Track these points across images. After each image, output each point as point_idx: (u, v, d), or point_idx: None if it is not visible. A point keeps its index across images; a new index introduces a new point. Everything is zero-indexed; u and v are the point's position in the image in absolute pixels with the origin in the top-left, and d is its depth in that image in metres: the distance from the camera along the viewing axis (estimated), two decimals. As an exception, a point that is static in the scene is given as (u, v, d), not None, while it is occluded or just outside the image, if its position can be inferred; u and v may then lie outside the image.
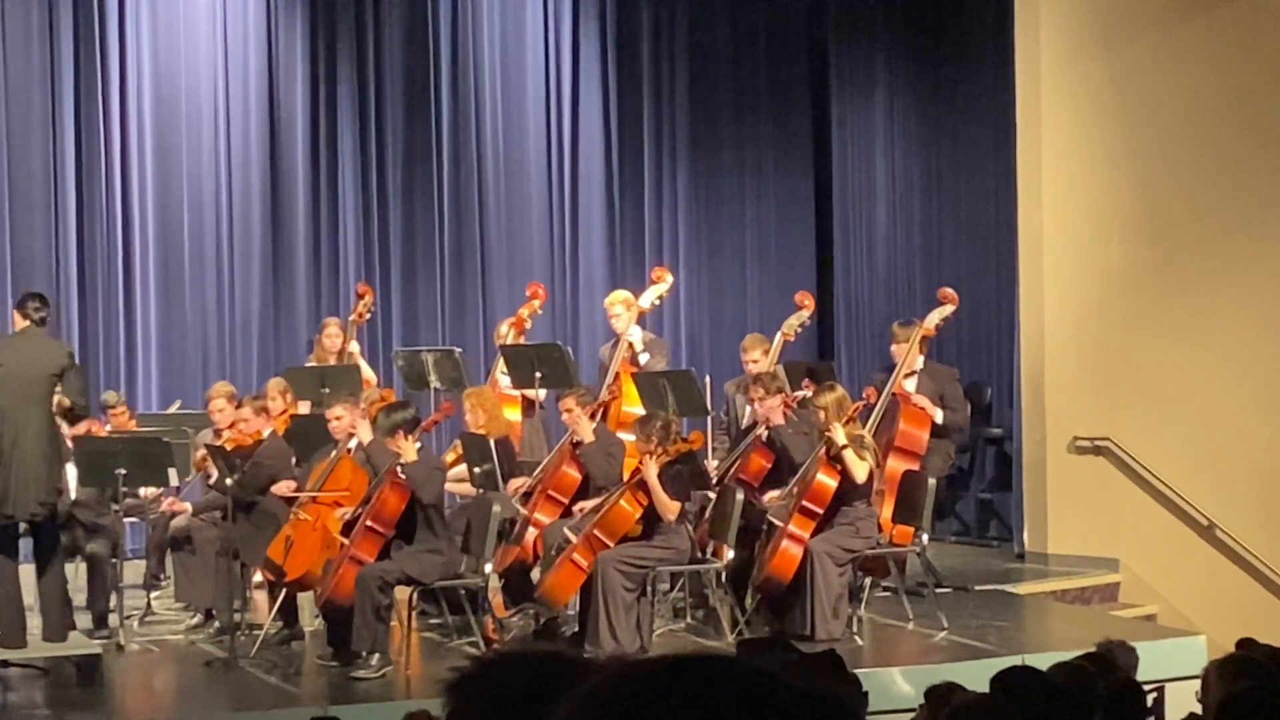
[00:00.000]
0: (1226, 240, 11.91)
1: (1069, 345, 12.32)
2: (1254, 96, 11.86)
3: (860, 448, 9.35)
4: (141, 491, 10.85)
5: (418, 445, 9.04)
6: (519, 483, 10.13)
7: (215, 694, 8.79)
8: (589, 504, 9.63)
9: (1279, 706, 4.46)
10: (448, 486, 9.72)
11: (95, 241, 13.03)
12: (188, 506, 10.40)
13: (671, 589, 10.14)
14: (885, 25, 14.96)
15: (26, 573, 9.19)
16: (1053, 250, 12.33)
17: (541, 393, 11.13)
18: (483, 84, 14.36)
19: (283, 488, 9.62)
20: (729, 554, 9.44)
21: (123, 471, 9.19)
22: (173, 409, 12.18)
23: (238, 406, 10.35)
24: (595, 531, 9.05)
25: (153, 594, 10.58)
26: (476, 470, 9.95)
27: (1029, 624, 10.63)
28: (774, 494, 9.81)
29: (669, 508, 9.05)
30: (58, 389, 8.98)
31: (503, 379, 11.24)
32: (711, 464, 10.46)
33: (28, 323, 9.10)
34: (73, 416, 9.27)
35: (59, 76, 12.89)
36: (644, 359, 11.12)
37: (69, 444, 9.66)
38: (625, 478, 9.47)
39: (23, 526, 9.05)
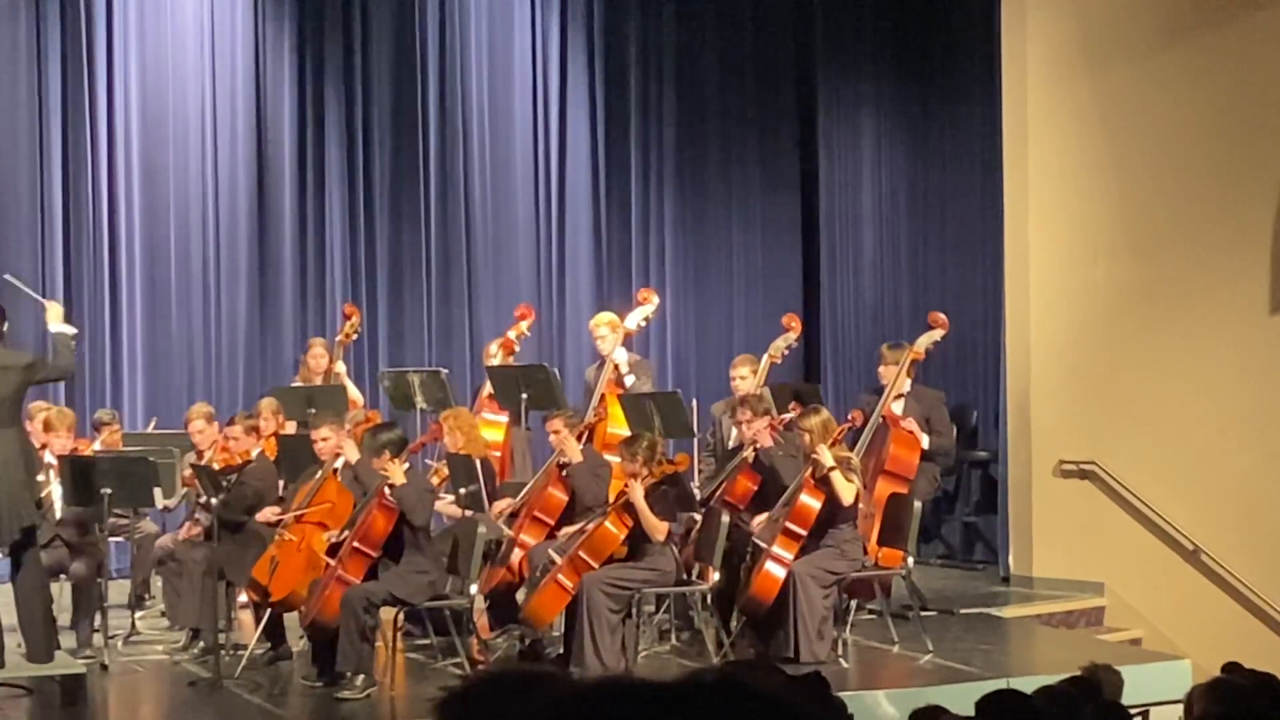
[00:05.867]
0: (1212, 264, 11.94)
1: (1055, 369, 12.34)
2: (1239, 121, 11.90)
3: (847, 469, 9.36)
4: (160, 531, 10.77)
5: (405, 466, 9.03)
6: (504, 504, 10.14)
7: (199, 714, 8.76)
8: (571, 530, 9.65)
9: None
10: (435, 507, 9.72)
11: (81, 261, 13.01)
12: (199, 531, 10.22)
13: (657, 611, 10.13)
14: (872, 49, 15.00)
15: (5, 593, 9.16)
16: (1039, 274, 12.36)
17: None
18: (470, 105, 14.39)
19: (267, 514, 9.58)
20: (714, 576, 9.44)
21: (108, 491, 9.15)
22: (149, 428, 12.15)
23: (229, 424, 10.32)
24: (580, 553, 9.05)
25: (137, 614, 10.55)
26: (462, 491, 9.95)
27: (1014, 647, 10.64)
28: (762, 518, 9.81)
29: (657, 529, 9.06)
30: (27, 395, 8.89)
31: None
32: (696, 485, 10.47)
33: None
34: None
35: (46, 96, 12.88)
36: (629, 381, 11.13)
37: (54, 460, 9.65)
38: (611, 499, 9.47)
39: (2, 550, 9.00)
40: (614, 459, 9.88)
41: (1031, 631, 11.21)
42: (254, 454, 9.97)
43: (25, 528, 8.73)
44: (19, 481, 8.68)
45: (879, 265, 14.87)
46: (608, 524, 9.10)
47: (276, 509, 9.59)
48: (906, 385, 10.99)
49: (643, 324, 11.67)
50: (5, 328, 9.07)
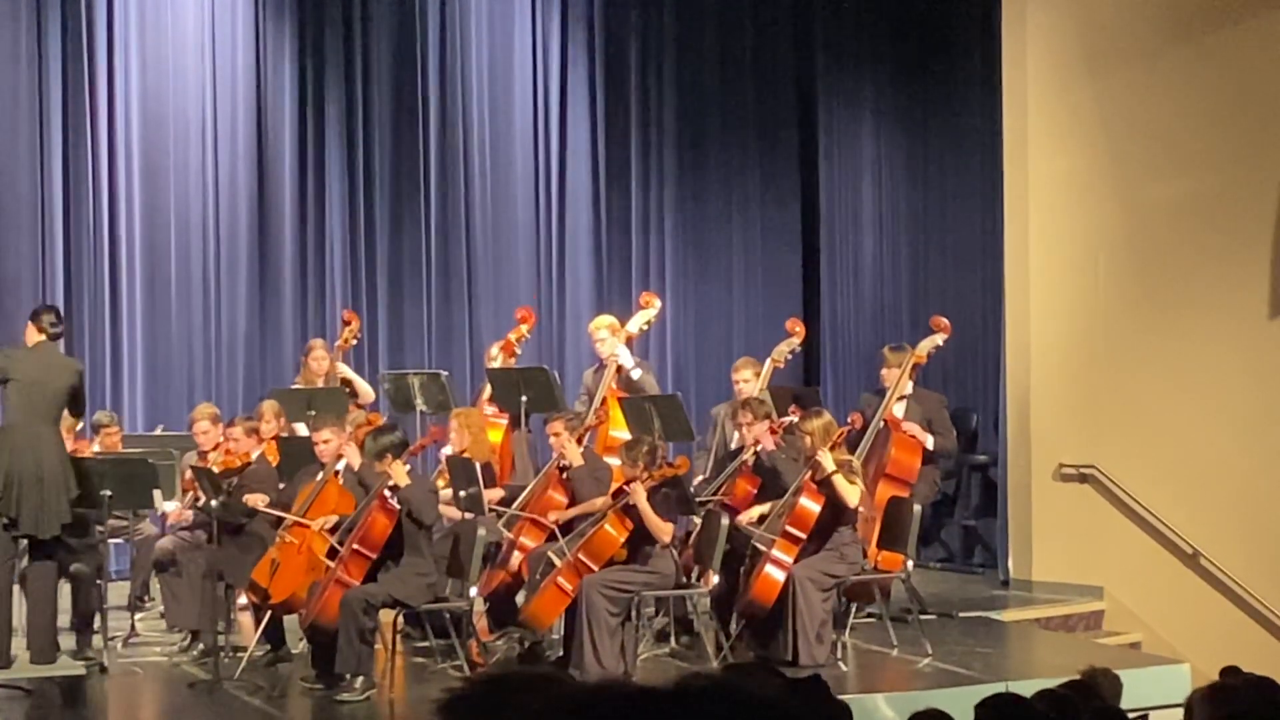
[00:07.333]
0: (1211, 269, 11.94)
1: (1055, 373, 12.35)
2: (1239, 124, 11.91)
3: (849, 472, 9.36)
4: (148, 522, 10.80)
5: (407, 468, 9.03)
6: (496, 494, 10.16)
7: (199, 716, 8.75)
8: (568, 513, 9.66)
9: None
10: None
11: (82, 262, 13.01)
12: (189, 515, 10.31)
13: (656, 613, 10.13)
14: (872, 54, 15.02)
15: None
16: (1039, 278, 12.37)
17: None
18: (470, 108, 14.39)
19: (255, 500, 9.60)
20: (714, 579, 9.45)
21: (108, 493, 9.16)
22: (155, 433, 12.17)
23: (228, 427, 10.33)
24: (580, 555, 9.05)
25: (137, 615, 10.55)
26: (462, 494, 9.95)
27: (1013, 651, 10.64)
28: (752, 511, 9.77)
29: (663, 530, 9.06)
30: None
31: (488, 408, 11.27)
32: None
33: (43, 337, 9.08)
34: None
35: (46, 97, 12.88)
36: (637, 374, 11.11)
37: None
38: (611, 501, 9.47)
39: (23, 545, 9.04)
40: (614, 461, 9.89)
41: (1030, 635, 11.21)
42: (254, 456, 9.98)
43: (65, 524, 8.85)
44: (60, 480, 8.84)
45: (879, 269, 14.89)
46: (607, 526, 9.11)
47: (265, 497, 9.60)
48: (908, 387, 10.99)
49: (644, 327, 11.66)
50: (61, 330, 9.28)
